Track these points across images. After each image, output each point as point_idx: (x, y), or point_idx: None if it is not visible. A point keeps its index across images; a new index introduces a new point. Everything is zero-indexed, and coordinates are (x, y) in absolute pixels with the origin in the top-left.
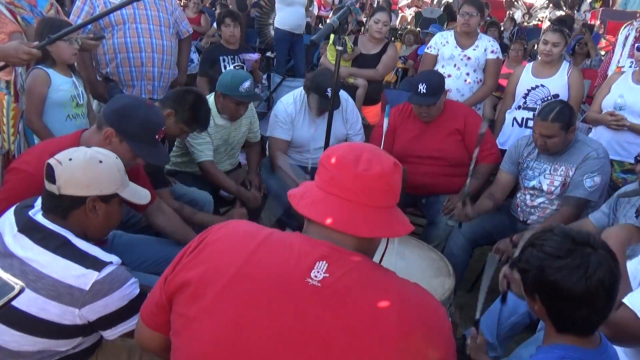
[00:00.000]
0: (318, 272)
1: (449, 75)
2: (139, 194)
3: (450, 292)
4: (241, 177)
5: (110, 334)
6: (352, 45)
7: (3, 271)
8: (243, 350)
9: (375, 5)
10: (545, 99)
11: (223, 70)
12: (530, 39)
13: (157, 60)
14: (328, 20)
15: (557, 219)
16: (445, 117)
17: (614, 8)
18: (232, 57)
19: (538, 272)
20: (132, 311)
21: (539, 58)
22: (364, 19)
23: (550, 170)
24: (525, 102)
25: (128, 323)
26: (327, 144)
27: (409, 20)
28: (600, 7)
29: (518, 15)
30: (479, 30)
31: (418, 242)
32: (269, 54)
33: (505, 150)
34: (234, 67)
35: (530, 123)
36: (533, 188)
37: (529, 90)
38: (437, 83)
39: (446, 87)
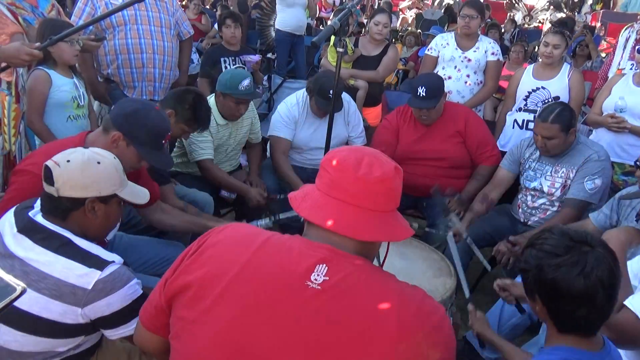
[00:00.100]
0: (318, 275)
1: (450, 77)
2: (138, 194)
3: (451, 291)
4: (242, 178)
5: (112, 334)
6: (353, 47)
7: (4, 272)
8: (243, 353)
9: (376, 7)
10: (546, 101)
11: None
12: (530, 41)
13: (158, 61)
14: (329, 22)
15: (558, 220)
16: (445, 120)
17: (615, 10)
18: (233, 58)
19: (537, 271)
20: (134, 312)
21: (540, 60)
22: (365, 21)
23: (551, 172)
24: (526, 104)
25: (130, 326)
26: (327, 146)
27: (409, 21)
28: (601, 9)
29: (519, 17)
30: (479, 32)
31: (419, 243)
32: (269, 55)
33: (506, 152)
34: (235, 68)
35: (531, 125)
36: (534, 189)
37: (529, 92)
38: (436, 86)
39: (446, 89)
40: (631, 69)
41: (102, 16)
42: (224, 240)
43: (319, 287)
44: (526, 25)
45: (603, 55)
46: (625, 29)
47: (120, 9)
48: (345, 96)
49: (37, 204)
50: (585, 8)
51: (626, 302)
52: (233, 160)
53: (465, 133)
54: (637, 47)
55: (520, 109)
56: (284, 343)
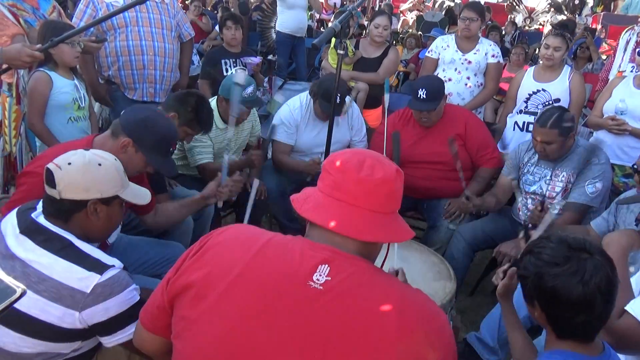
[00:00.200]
0: (320, 275)
1: (450, 79)
2: (140, 194)
3: (451, 295)
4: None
5: (108, 340)
6: (353, 49)
7: (5, 274)
8: (245, 353)
9: (376, 9)
10: (547, 103)
11: (225, 73)
12: (531, 43)
13: (159, 63)
14: (330, 24)
15: (560, 224)
16: (445, 122)
17: (616, 12)
18: (233, 60)
19: (536, 278)
20: (131, 318)
21: (541, 62)
22: (366, 23)
23: (551, 176)
24: (526, 107)
25: (126, 331)
26: (328, 148)
27: (410, 23)
28: (601, 11)
29: (519, 20)
30: (479, 34)
31: (419, 246)
32: (270, 57)
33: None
34: (236, 70)
35: (532, 127)
36: (534, 193)
37: (530, 95)
38: (436, 88)
39: (447, 91)
40: (632, 71)
41: (103, 18)
42: (226, 240)
43: (321, 288)
44: (527, 28)
45: (604, 57)
46: (626, 32)
47: (122, 10)
48: (348, 100)
49: (40, 206)
50: (586, 10)
51: (627, 307)
52: None
53: (466, 136)
54: (637, 50)
55: (521, 111)
56: (286, 342)
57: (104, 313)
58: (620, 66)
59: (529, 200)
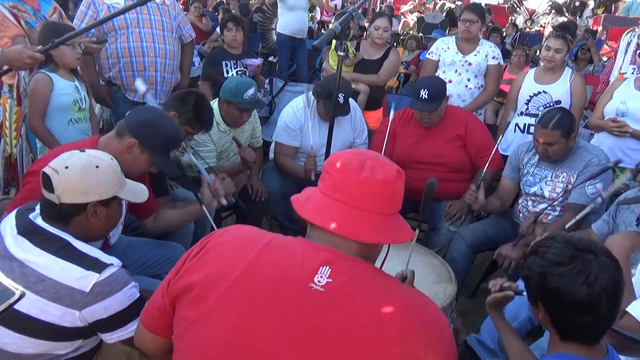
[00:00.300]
0: (321, 277)
1: (450, 81)
2: (137, 192)
3: (452, 298)
4: (242, 182)
5: (109, 337)
6: (354, 51)
7: (4, 275)
8: (246, 354)
9: (377, 11)
10: (548, 105)
11: (226, 74)
12: (532, 45)
13: (160, 64)
14: (330, 26)
15: (560, 225)
16: (446, 123)
17: (617, 14)
18: (234, 61)
19: (540, 279)
20: (131, 316)
21: (542, 64)
22: (366, 24)
23: (551, 177)
24: (527, 108)
25: (127, 329)
26: (328, 149)
27: (411, 25)
28: (602, 13)
29: (520, 21)
30: (480, 36)
31: (420, 248)
32: (271, 58)
33: (507, 155)
34: (237, 72)
35: (533, 129)
36: (534, 194)
37: (531, 97)
38: (438, 89)
39: (447, 93)
40: (633, 73)
41: (104, 19)
42: (226, 242)
43: (322, 289)
44: (528, 29)
45: (605, 59)
46: (627, 33)
47: (123, 12)
48: (352, 102)
49: (38, 206)
50: (587, 12)
51: (628, 309)
52: None
53: (466, 137)
54: (638, 52)
55: (521, 113)
56: (287, 344)
57: (104, 311)
58: (621, 68)
59: (530, 202)
